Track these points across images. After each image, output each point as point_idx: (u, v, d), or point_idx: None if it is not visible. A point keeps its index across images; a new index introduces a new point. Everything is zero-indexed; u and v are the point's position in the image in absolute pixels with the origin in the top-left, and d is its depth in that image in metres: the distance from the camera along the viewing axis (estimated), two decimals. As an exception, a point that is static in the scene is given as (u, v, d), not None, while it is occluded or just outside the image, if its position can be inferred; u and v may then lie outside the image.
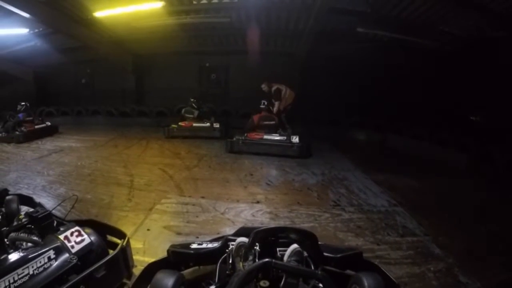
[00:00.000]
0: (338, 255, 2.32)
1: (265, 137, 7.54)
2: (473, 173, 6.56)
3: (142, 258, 2.85)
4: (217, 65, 12.46)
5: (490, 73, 7.77)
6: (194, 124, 9.01)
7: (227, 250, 2.22)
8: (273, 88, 8.72)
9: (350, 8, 7.88)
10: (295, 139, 7.30)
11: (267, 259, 1.88)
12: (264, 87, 8.78)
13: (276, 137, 7.52)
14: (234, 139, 7.41)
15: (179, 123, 9.04)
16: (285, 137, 7.42)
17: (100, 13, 8.43)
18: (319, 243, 2.29)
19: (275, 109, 8.59)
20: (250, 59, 10.72)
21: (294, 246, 2.13)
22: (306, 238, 2.18)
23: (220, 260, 2.22)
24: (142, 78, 12.81)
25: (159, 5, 7.84)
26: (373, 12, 7.85)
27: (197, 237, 3.27)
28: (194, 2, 8.43)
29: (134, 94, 12.76)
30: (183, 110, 9.56)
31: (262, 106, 8.11)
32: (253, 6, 8.38)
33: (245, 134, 7.58)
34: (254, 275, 1.86)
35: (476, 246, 3.58)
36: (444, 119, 8.79)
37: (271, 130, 7.81)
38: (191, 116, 9.29)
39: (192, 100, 9.57)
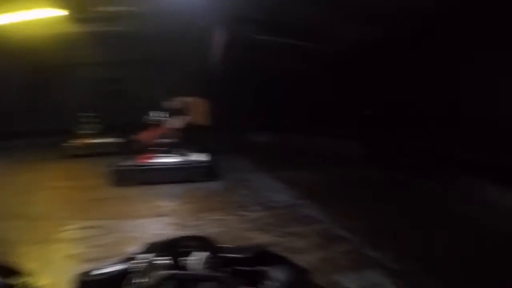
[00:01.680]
0: (246, 254, 2.41)
1: (161, 160, 6.24)
2: (369, 161, 7.25)
3: (49, 294, 2.74)
4: (117, 75, 11.98)
5: (379, 72, 8.65)
6: (94, 141, 8.66)
7: (132, 270, 2.24)
8: (184, 102, 7.97)
9: (249, 17, 8.15)
10: (200, 157, 6.27)
11: (169, 272, 1.90)
12: (175, 104, 7.76)
13: (176, 158, 6.28)
14: (120, 166, 6.03)
15: (77, 141, 8.61)
16: (186, 157, 6.30)
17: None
18: (225, 245, 2.40)
19: (177, 124, 7.51)
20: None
21: (201, 253, 2.20)
22: (201, 243, 2.24)
23: (125, 281, 2.23)
24: (37, 94, 11.73)
25: (61, 13, 7.32)
26: (270, 20, 8.23)
27: (104, 262, 3.18)
28: (97, 9, 7.98)
29: (29, 112, 11.66)
30: (81, 127, 9.02)
31: (154, 119, 6.89)
32: (154, 15, 8.28)
33: (134, 158, 6.24)
34: None
35: (379, 224, 4.04)
36: (341, 116, 9.54)
37: (169, 150, 6.54)
38: (91, 132, 8.81)
39: (89, 115, 9.07)
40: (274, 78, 10.40)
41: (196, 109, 7.99)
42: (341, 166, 6.98)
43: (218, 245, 2.24)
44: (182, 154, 6.35)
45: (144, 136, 6.71)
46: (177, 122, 7.57)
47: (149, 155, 6.27)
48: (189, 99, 8.05)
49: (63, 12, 7.41)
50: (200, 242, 2.14)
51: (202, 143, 7.32)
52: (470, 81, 6.59)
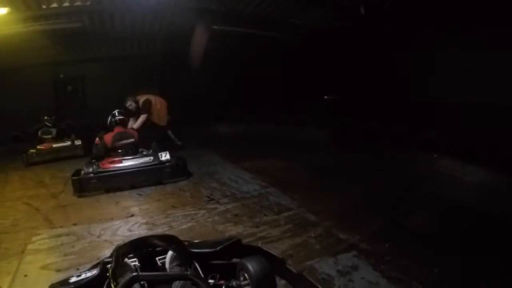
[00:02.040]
0: (218, 248, 2.35)
1: (126, 163, 5.77)
2: (333, 145, 7.45)
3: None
4: (73, 75, 11.60)
5: (340, 58, 8.88)
6: (54, 145, 8.30)
7: (107, 274, 2.26)
8: (141, 101, 7.71)
9: (204, 7, 8.11)
10: (165, 156, 5.88)
11: (132, 274, 1.89)
12: (130, 104, 7.60)
13: (142, 159, 5.86)
14: (82, 174, 5.50)
15: (38, 147, 8.20)
16: (151, 157, 5.88)
17: None
18: (197, 240, 2.47)
19: (136, 124, 7.38)
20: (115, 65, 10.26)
21: (170, 252, 2.20)
22: (167, 242, 2.23)
23: (104, 286, 2.22)
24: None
25: (3, 11, 7.00)
26: (227, 10, 8.23)
27: (78, 269, 3.19)
28: (44, 7, 7.66)
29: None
30: (39, 131, 8.70)
31: (113, 119, 6.37)
32: (106, 9, 8.08)
33: (96, 164, 5.66)
34: None
35: (348, 206, 4.22)
36: (302, 102, 9.75)
37: (131, 151, 6.14)
38: (49, 136, 8.53)
39: (46, 118, 8.77)
40: (235, 69, 10.46)
41: (154, 107, 7.76)
42: (306, 152, 7.14)
43: (189, 241, 2.29)
44: (146, 155, 5.96)
45: (106, 138, 6.06)
46: (135, 122, 7.49)
47: (113, 159, 5.79)
48: (146, 97, 7.81)
49: (5, 10, 7.10)
50: (167, 241, 2.19)
51: (162, 142, 7.29)
52: (420, 60, 7.00)
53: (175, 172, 5.82)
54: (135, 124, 7.40)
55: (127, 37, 9.94)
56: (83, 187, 5.36)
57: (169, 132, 8.10)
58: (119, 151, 6.01)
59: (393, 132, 7.25)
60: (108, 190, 5.26)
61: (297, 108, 9.54)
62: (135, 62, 10.87)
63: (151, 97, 7.82)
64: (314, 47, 9.70)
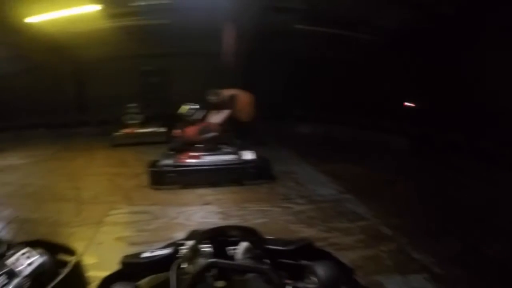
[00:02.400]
0: (290, 247, 2.35)
1: (206, 158, 5.42)
2: (414, 155, 6.98)
3: (96, 273, 2.75)
4: (159, 68, 12.27)
5: (422, 63, 8.31)
6: (139, 131, 8.87)
7: (178, 255, 2.26)
8: (226, 96, 7.27)
9: (288, 6, 8.06)
10: (249, 156, 5.45)
11: (211, 260, 1.90)
12: (214, 98, 7.04)
13: (224, 157, 5.49)
14: (160, 166, 5.27)
15: (124, 131, 8.85)
16: (235, 155, 5.49)
17: (33, 19, 8.01)
18: (270, 237, 2.38)
19: (219, 119, 6.74)
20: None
21: (244, 243, 2.19)
22: (248, 234, 2.24)
23: (172, 266, 2.25)
24: (83, 86, 12.32)
25: (96, 8, 7.60)
26: (310, 9, 8.08)
27: (151, 245, 3.25)
28: (132, 4, 8.23)
29: (76, 103, 12.25)
30: (126, 117, 9.32)
31: (195, 112, 6.10)
32: (190, 7, 8.35)
33: (175, 156, 5.45)
34: (200, 277, 1.89)
35: (426, 222, 3.88)
36: (383, 108, 9.27)
37: (213, 146, 5.81)
38: (135, 122, 9.07)
39: (133, 105, 9.34)
40: (315, 69, 10.24)
41: (239, 103, 7.42)
42: (385, 160, 6.78)
43: (263, 236, 2.19)
44: (229, 153, 5.59)
45: (189, 131, 5.81)
46: (219, 117, 6.88)
47: (193, 153, 5.48)
48: (231, 92, 7.43)
49: (99, 7, 7.61)
50: (246, 233, 2.11)
51: (246, 139, 6.73)
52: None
53: (259, 173, 5.38)
54: (218, 118, 6.86)
55: (211, 33, 10.21)
56: (159, 179, 5.14)
57: (253, 128, 7.72)
58: (200, 145, 5.74)
59: (477, 147, 6.55)
60: (184, 186, 5.10)
61: (377, 113, 9.06)
62: (217, 58, 11.13)
63: (237, 92, 7.55)
64: (396, 49, 9.15)
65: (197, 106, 6.21)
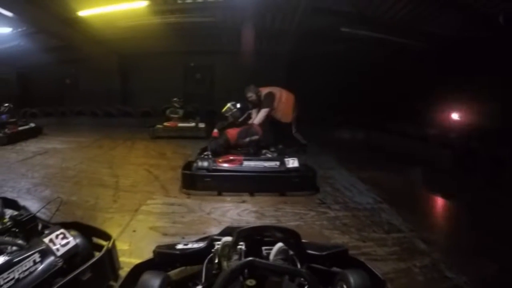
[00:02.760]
0: (324, 253, 2.31)
1: (247, 164, 4.87)
2: (458, 168, 6.68)
3: (128, 259, 2.83)
4: (202, 65, 12.49)
5: (471, 73, 7.94)
6: (179, 124, 8.97)
7: (212, 250, 2.23)
8: (264, 93, 6.65)
9: (335, 9, 7.95)
10: (293, 163, 4.86)
11: (250, 258, 1.87)
12: (251, 96, 6.53)
13: (266, 163, 4.88)
14: (195, 168, 4.77)
15: (164, 123, 8.99)
16: (277, 162, 4.89)
17: (85, 12, 8.37)
18: (305, 241, 2.32)
19: (257, 119, 6.21)
20: (243, 60, 10.59)
21: (280, 244, 2.14)
22: (289, 236, 2.20)
23: (206, 260, 2.22)
24: (127, 78, 12.75)
25: (144, 4, 7.80)
26: (357, 13, 7.92)
27: (183, 238, 3.27)
28: (179, 2, 8.43)
29: (119, 94, 12.70)
30: (168, 110, 9.50)
31: (238, 113, 5.73)
32: (238, 6, 8.40)
33: (212, 159, 4.88)
34: (237, 274, 1.87)
35: (462, 240, 3.67)
36: (427, 117, 8.94)
37: (253, 150, 5.30)
38: (176, 116, 9.24)
39: (175, 99, 9.52)
40: (358, 73, 10.04)
41: (278, 102, 6.76)
42: (428, 172, 6.50)
43: (302, 240, 2.14)
44: (272, 159, 5.02)
45: (230, 133, 5.31)
46: (259, 117, 6.34)
47: (232, 157, 4.95)
48: (270, 90, 6.74)
49: (146, 3, 7.77)
50: (287, 235, 2.06)
51: (287, 143, 6.37)
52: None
53: (303, 184, 4.81)
54: (256, 119, 6.33)
55: (257, 33, 10.23)
56: (193, 183, 4.64)
57: (294, 131, 7.15)
58: (240, 149, 5.27)
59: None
60: (220, 193, 4.61)
61: (421, 122, 8.72)
62: (262, 57, 11.14)
63: (276, 90, 6.84)
64: (445, 57, 8.77)
65: (239, 105, 5.82)
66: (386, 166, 6.57)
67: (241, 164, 4.83)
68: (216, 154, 5.09)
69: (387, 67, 9.93)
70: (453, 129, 8.05)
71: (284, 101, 6.80)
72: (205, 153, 5.21)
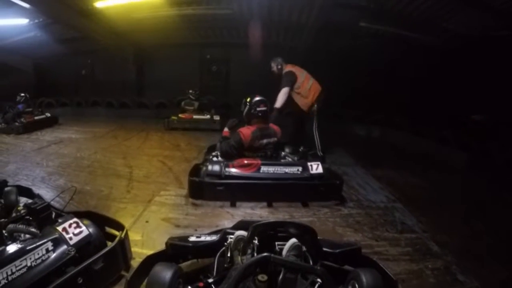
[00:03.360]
0: (337, 250, 2.32)
1: (264, 169, 4.23)
2: (473, 170, 6.57)
3: (140, 250, 2.85)
4: (218, 57, 12.44)
5: (491, 72, 7.76)
6: (194, 116, 8.99)
7: (225, 244, 2.22)
8: (284, 71, 6.15)
9: (353, 2, 7.83)
10: (316, 168, 4.29)
11: (266, 254, 1.87)
12: (272, 67, 6.30)
13: (287, 169, 4.28)
14: (204, 174, 4.26)
15: (179, 115, 9.02)
16: (300, 167, 4.31)
17: (101, 4, 8.39)
18: (318, 237, 2.29)
19: (278, 102, 5.82)
20: (251, 52, 10.55)
21: (293, 240, 2.12)
22: (305, 232, 2.18)
23: (218, 254, 2.22)
24: (143, 70, 12.78)
25: None
26: (376, 7, 7.80)
27: (196, 230, 3.28)
28: None
29: (135, 86, 12.74)
30: (183, 102, 9.54)
31: (255, 110, 4.52)
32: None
33: (224, 164, 4.23)
34: (252, 269, 1.86)
35: (475, 244, 3.58)
36: (444, 117, 8.79)
37: (270, 153, 4.65)
38: (191, 108, 9.27)
39: (191, 91, 9.54)
40: (376, 69, 9.90)
41: (301, 85, 6.09)
42: (442, 173, 6.38)
43: (317, 237, 2.11)
44: (293, 164, 4.46)
45: (243, 132, 4.41)
46: (279, 100, 5.85)
47: (248, 162, 4.29)
48: (290, 68, 6.14)
49: None
50: (302, 231, 2.04)
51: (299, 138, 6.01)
52: None
53: (329, 192, 4.30)
54: (277, 102, 5.85)
55: (274, 26, 10.16)
56: (203, 192, 4.04)
57: (315, 126, 6.27)
58: (257, 152, 4.57)
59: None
60: (234, 203, 4.08)
61: (437, 122, 8.57)
62: (279, 51, 11.02)
63: (299, 72, 6.16)
64: (464, 56, 8.58)
65: (260, 102, 4.58)
66: (401, 165, 6.49)
67: (259, 169, 4.21)
68: (228, 157, 4.42)
69: (405, 64, 9.78)
70: (470, 129, 7.91)
71: (307, 86, 6.12)
72: (213, 153, 4.75)
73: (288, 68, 6.18)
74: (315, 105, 6.20)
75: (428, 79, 9.50)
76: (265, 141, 4.52)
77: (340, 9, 7.86)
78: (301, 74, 6.13)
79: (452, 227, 3.91)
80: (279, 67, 6.22)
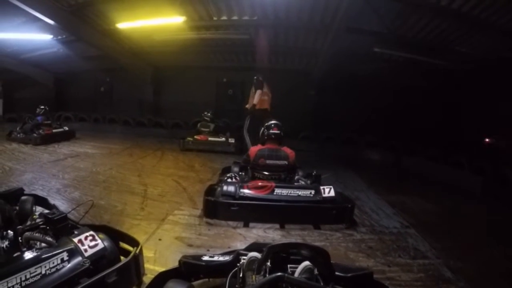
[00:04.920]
0: (349, 274, 2.30)
1: (278, 191, 4.28)
2: (488, 196, 6.48)
3: (152, 266, 2.86)
4: (234, 80, 12.60)
5: (504, 93, 7.71)
6: (210, 138, 9.03)
7: (238, 264, 2.22)
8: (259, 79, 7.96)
9: (367, 29, 7.94)
10: (328, 192, 4.33)
11: (279, 273, 1.87)
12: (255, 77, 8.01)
13: (300, 192, 4.32)
14: (219, 194, 4.27)
15: (195, 137, 9.08)
16: (312, 191, 4.34)
17: (122, 25, 8.66)
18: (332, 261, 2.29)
19: (255, 99, 7.71)
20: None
21: (306, 263, 2.11)
22: (318, 255, 2.17)
23: (230, 274, 2.22)
24: (160, 90, 13.01)
25: (180, 20, 8.02)
26: (389, 33, 7.89)
27: (208, 250, 3.28)
28: (214, 18, 8.61)
29: (151, 105, 12.95)
30: (199, 124, 9.61)
31: (267, 131, 4.84)
32: (272, 25, 8.55)
33: (239, 185, 4.32)
34: None
35: (489, 270, 3.54)
36: (459, 141, 8.70)
37: (283, 175, 4.76)
38: (207, 130, 9.32)
39: (206, 113, 9.64)
40: (390, 94, 9.91)
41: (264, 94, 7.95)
42: (456, 198, 6.31)
43: (330, 260, 2.11)
44: (306, 187, 4.49)
45: (251, 150, 4.81)
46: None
47: (262, 184, 4.38)
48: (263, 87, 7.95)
49: (182, 19, 7.98)
50: (316, 253, 2.05)
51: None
52: None
53: (341, 216, 4.29)
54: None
55: (289, 51, 10.33)
56: (217, 212, 4.12)
57: (245, 130, 7.65)
58: (266, 173, 4.69)
59: None
60: (247, 224, 4.13)
61: (453, 147, 8.47)
62: (295, 75, 11.21)
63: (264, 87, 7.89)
64: (478, 78, 8.54)
65: (273, 125, 4.87)
66: (414, 190, 6.46)
67: (272, 191, 4.27)
68: (242, 169, 4.87)
69: (419, 89, 9.78)
70: (485, 154, 7.80)
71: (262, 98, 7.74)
72: (228, 175, 4.88)
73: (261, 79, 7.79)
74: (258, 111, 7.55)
75: (441, 102, 9.49)
76: (271, 162, 4.66)
77: (354, 35, 7.96)
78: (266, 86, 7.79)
79: (466, 253, 3.85)
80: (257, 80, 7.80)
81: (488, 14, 6.52)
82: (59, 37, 10.47)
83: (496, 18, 6.58)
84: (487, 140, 8.40)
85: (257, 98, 7.64)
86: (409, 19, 7.41)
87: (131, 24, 8.55)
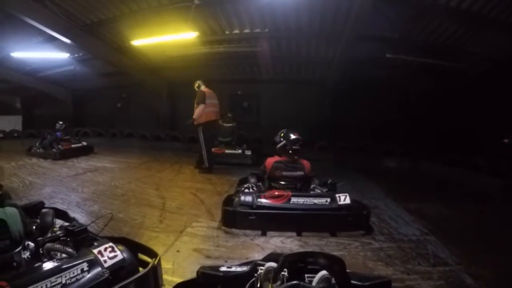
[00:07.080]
0: (367, 283, 2.25)
1: (295, 200, 4.34)
2: (509, 199, 6.34)
3: (170, 278, 2.89)
4: (249, 93, 12.68)
5: None
6: (226, 151, 9.05)
7: (255, 275, 2.22)
8: (200, 89, 7.82)
9: (378, 35, 7.94)
10: (345, 200, 4.38)
11: (295, 282, 1.88)
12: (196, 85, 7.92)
13: (316, 200, 4.39)
14: (237, 204, 4.30)
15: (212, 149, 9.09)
16: (328, 199, 4.39)
17: (137, 42, 8.86)
18: (348, 270, 2.28)
19: (195, 114, 7.55)
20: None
21: (323, 272, 2.10)
22: (334, 263, 2.17)
23: (248, 284, 2.23)
24: (176, 104, 13.17)
25: (193, 35, 8.17)
26: (401, 38, 7.87)
27: (226, 261, 3.29)
28: (227, 32, 8.75)
29: (168, 119, 13.13)
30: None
31: (287, 145, 4.78)
32: (283, 36, 8.63)
33: (256, 195, 4.36)
34: None
35: (511, 276, 3.44)
36: (476, 143, 8.53)
37: (299, 185, 4.86)
38: (227, 140, 9.40)
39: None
40: (405, 100, 9.84)
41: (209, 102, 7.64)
42: (476, 203, 6.19)
43: (346, 269, 2.11)
44: (322, 195, 4.51)
45: (267, 162, 4.88)
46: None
47: (278, 193, 4.43)
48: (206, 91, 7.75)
49: (195, 34, 8.14)
50: (332, 261, 2.05)
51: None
52: None
53: (357, 223, 4.36)
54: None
55: (302, 62, 10.40)
56: (236, 221, 4.19)
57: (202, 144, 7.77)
58: (282, 182, 4.78)
59: None
60: (264, 233, 4.18)
61: (471, 150, 8.31)
62: (309, 85, 11.25)
63: (210, 94, 7.78)
64: (493, 78, 8.39)
65: (293, 137, 4.85)
66: (433, 197, 6.37)
67: (289, 200, 4.33)
68: (259, 180, 4.97)
69: (433, 93, 9.69)
70: (503, 155, 7.62)
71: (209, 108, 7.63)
72: (245, 185, 4.90)
73: (202, 88, 7.77)
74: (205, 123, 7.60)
75: (457, 105, 9.36)
76: (288, 173, 4.78)
77: (365, 42, 7.98)
78: (210, 96, 7.68)
79: (487, 259, 3.76)
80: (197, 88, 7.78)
81: (498, 12, 6.52)
82: (76, 55, 10.79)
83: (506, 16, 6.54)
84: (506, 140, 8.22)
85: (198, 113, 7.50)
86: (420, 23, 7.42)
87: (145, 41, 8.75)
